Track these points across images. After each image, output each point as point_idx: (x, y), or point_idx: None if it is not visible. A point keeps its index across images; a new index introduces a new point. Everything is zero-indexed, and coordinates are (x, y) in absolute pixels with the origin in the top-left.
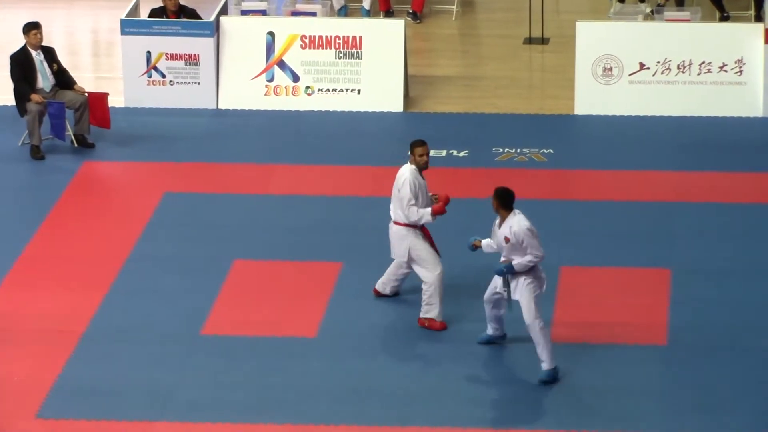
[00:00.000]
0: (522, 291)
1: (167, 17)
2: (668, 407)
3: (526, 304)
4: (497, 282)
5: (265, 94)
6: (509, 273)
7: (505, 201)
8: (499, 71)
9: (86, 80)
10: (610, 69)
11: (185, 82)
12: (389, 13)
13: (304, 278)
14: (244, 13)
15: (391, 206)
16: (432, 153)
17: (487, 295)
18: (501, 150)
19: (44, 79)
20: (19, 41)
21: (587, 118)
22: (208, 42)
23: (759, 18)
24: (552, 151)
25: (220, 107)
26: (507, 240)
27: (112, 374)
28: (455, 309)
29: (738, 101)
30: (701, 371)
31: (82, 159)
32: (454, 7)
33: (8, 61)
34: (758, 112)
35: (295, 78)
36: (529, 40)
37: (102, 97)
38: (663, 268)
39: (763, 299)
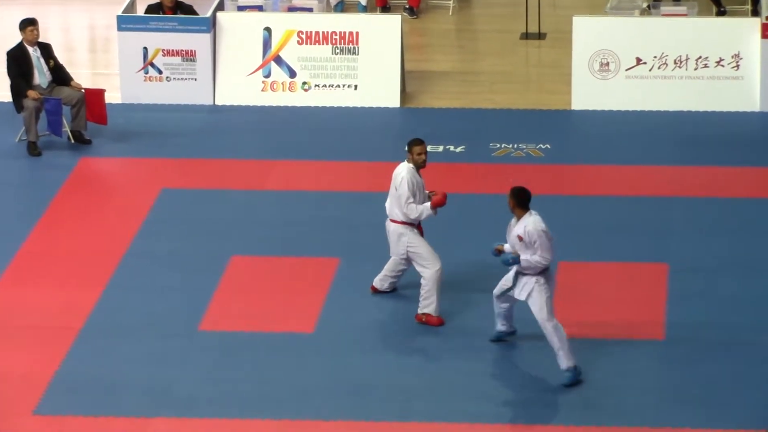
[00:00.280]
0: (534, 293)
1: (164, 13)
2: (665, 402)
3: (538, 305)
4: (508, 278)
5: (262, 90)
6: (515, 263)
7: (521, 200)
8: (495, 66)
9: (83, 76)
10: (607, 64)
11: (182, 78)
12: (386, 9)
13: (301, 274)
14: (241, 8)
15: (387, 204)
16: (429, 148)
17: (496, 290)
18: (498, 145)
19: (41, 76)
20: (15, 38)
21: (584, 113)
22: (205, 38)
23: (756, 13)
24: (549, 146)
25: (216, 103)
26: (520, 238)
27: (110, 370)
28: (450, 304)
29: (735, 96)
30: (698, 366)
31: (79, 155)
32: (451, 2)
33: (5, 57)
34: (755, 107)
35: (292, 74)
36: (526, 36)
37: (99, 94)
38: (660, 262)
39: (761, 294)
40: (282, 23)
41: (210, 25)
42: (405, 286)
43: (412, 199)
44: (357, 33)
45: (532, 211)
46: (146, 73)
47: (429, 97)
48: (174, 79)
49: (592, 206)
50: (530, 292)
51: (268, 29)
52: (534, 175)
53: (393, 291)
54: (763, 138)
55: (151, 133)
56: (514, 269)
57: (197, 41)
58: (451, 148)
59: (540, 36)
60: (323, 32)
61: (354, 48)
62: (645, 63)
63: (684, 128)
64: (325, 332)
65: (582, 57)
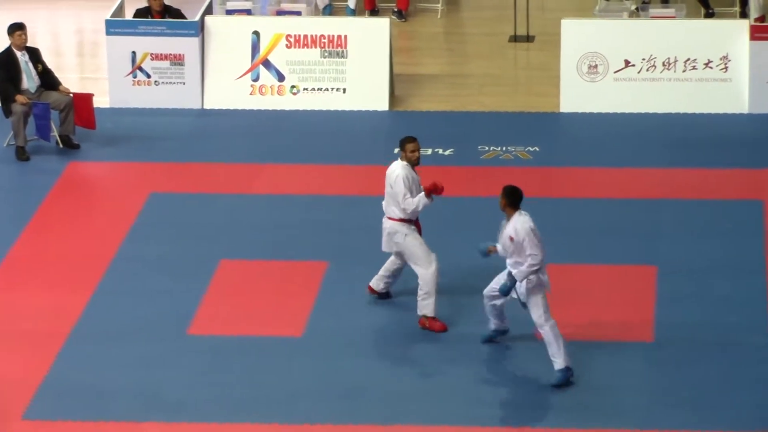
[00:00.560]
0: (528, 294)
1: (152, 17)
2: (655, 404)
3: (534, 306)
4: (500, 279)
5: (251, 94)
6: (513, 286)
7: (512, 199)
8: (484, 69)
9: (71, 81)
10: (596, 66)
11: (170, 82)
12: (374, 12)
13: (290, 277)
14: (229, 12)
15: (384, 203)
16: None
17: (486, 289)
18: (486, 148)
19: (29, 80)
20: (3, 42)
21: (572, 115)
22: (193, 42)
23: (744, 14)
24: (537, 149)
25: (205, 107)
26: (511, 239)
27: (99, 375)
28: (442, 308)
29: (723, 98)
30: (688, 368)
31: (67, 160)
32: (439, 5)
33: None
34: (743, 109)
35: (281, 77)
36: (515, 38)
37: (87, 98)
38: (649, 265)
39: (749, 295)
40: (270, 27)
41: (198, 29)
42: (398, 293)
43: (408, 195)
44: (345, 36)
45: (522, 211)
46: (134, 77)
47: (418, 100)
48: (162, 83)
49: (581, 209)
50: (527, 295)
51: (256, 33)
52: (522, 177)
53: (387, 296)
54: (751, 140)
55: (140, 137)
56: (506, 270)
57: (186, 45)
58: (440, 151)
59: (528, 39)
60: (312, 36)
61: (342, 51)
62: (633, 65)
63: (673, 130)
64: (314, 336)
65: (570, 59)
